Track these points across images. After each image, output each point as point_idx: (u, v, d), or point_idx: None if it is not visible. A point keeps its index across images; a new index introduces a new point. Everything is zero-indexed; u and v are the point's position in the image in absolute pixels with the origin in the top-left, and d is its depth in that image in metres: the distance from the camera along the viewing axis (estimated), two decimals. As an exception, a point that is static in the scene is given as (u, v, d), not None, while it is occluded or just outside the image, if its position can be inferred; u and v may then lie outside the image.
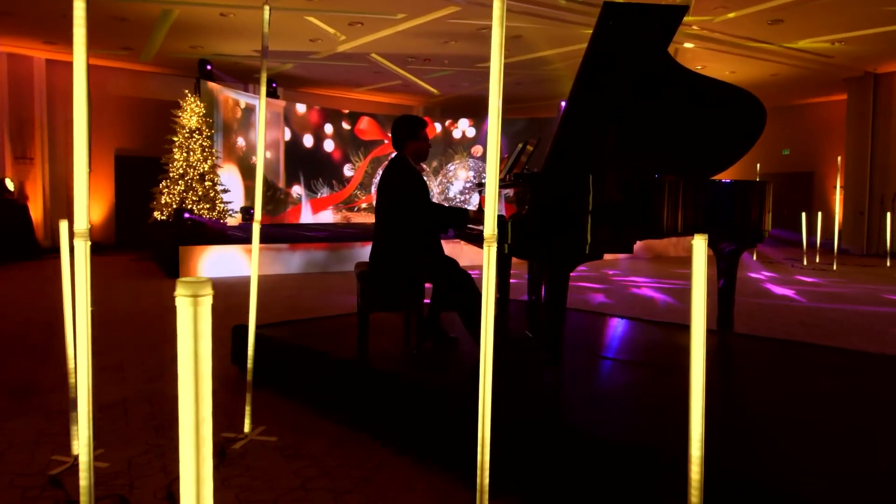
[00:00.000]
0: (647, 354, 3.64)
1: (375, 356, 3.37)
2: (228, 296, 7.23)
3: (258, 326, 4.14)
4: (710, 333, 3.98)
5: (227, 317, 5.25)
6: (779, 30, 10.55)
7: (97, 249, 13.51)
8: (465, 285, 3.25)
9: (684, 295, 7.53)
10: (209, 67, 12.82)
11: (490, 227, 1.65)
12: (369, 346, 3.48)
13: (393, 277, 3.32)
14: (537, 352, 3.34)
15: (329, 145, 15.72)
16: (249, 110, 14.11)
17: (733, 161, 3.54)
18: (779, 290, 8.01)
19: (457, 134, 16.73)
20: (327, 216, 15.59)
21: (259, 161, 2.73)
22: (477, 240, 3.41)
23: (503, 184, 3.47)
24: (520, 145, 3.60)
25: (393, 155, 3.49)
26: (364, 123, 16.23)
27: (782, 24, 10.21)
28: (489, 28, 10.96)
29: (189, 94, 11.50)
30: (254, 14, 10.20)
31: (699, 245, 1.45)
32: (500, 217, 3.33)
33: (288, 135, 14.88)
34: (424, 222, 3.31)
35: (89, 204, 1.74)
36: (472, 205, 16.08)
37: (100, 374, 3.88)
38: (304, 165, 15.10)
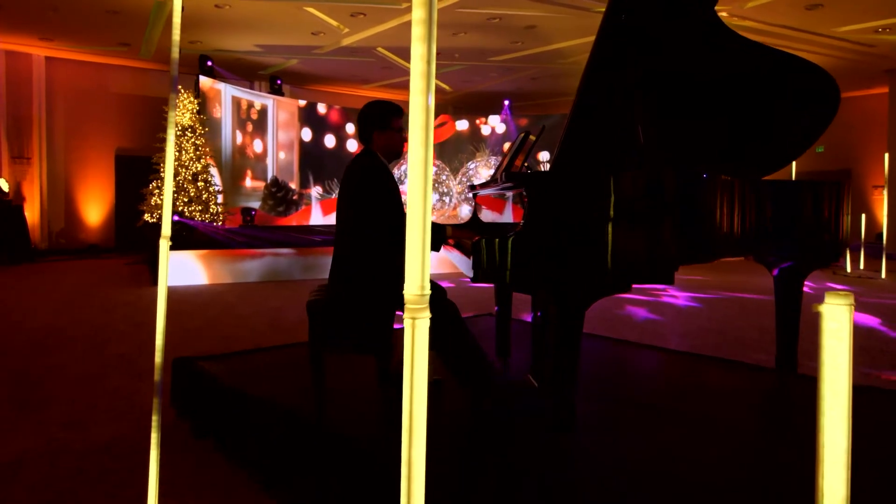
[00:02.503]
0: (691, 404, 2.89)
1: (337, 402, 2.65)
2: (211, 306, 6.59)
3: (201, 358, 3.43)
4: (768, 374, 3.20)
5: (201, 335, 4.53)
6: (817, 16, 9.68)
7: (95, 252, 13.05)
8: (452, 318, 2.50)
9: (720, 308, 6.71)
10: (210, 63, 12.27)
11: (415, 286, 0.83)
12: (330, 389, 2.77)
13: (354, 307, 2.58)
14: (543, 409, 2.60)
15: (342, 145, 15.05)
16: (250, 107, 13.51)
17: (795, 155, 2.77)
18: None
19: (485, 130, 15.93)
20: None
21: (168, 162, 2.04)
22: (460, 247, 2.70)
23: (496, 186, 2.74)
24: (520, 136, 2.87)
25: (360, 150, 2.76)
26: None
27: (821, 9, 9.34)
28: (500, 17, 10.30)
29: (182, 90, 10.92)
30: (251, 6, 9.60)
31: (838, 314, 0.71)
32: (495, 228, 2.59)
33: (307, 135, 14.23)
34: (395, 234, 2.54)
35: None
36: (467, 212, 15.36)
37: (10, 415, 3.22)
38: (320, 165, 14.45)
